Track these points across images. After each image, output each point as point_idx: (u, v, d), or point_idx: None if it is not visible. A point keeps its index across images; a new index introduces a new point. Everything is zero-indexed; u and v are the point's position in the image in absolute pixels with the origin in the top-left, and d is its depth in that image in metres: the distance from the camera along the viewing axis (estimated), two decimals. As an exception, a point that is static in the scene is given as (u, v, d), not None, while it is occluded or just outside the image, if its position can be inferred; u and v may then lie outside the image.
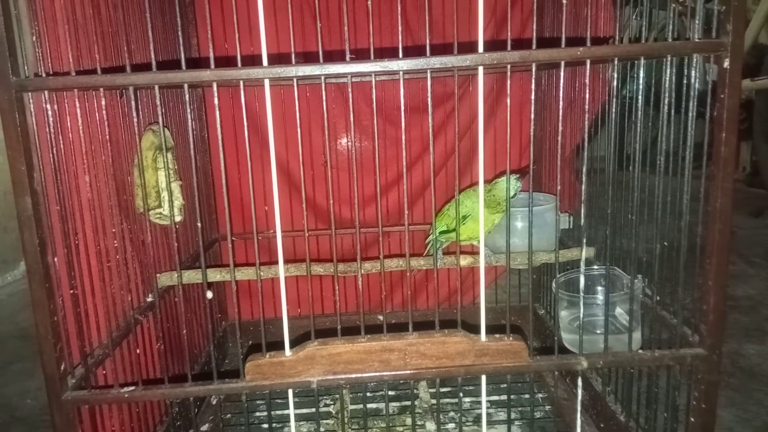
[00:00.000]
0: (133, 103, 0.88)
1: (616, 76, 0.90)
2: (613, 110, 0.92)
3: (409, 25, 1.76)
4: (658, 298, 1.05)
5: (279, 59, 0.88)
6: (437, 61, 0.85)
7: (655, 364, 1.00)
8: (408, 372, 0.94)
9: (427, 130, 1.78)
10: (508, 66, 0.88)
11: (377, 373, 0.94)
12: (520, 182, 1.39)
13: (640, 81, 0.94)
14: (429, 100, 0.89)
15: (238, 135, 1.70)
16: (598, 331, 1.20)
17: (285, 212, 1.78)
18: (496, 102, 1.80)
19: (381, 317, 1.89)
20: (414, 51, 1.71)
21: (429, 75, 0.89)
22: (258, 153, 1.70)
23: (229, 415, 1.55)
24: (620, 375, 1.24)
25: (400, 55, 0.86)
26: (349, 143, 1.84)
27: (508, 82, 0.89)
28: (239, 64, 0.84)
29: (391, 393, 1.59)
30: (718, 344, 0.93)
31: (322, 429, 1.43)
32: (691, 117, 0.93)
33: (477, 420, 1.47)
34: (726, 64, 0.85)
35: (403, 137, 0.91)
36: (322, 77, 0.87)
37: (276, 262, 1.46)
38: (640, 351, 0.97)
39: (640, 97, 1.04)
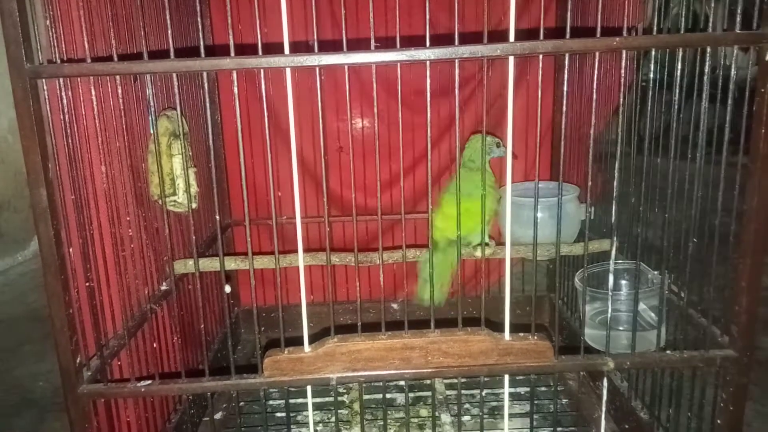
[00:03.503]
0: (149, 90, 0.85)
1: (653, 67, 0.86)
2: (648, 102, 0.88)
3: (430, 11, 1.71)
4: (684, 294, 1.02)
5: (294, 46, 0.85)
6: (466, 51, 0.82)
7: (683, 366, 0.98)
8: (429, 370, 0.92)
9: (443, 114, 1.75)
10: (540, 56, 0.85)
11: (398, 371, 0.92)
12: (500, 147, 1.44)
13: (683, 72, 0.90)
14: (456, 90, 0.86)
15: (251, 119, 1.67)
16: (621, 327, 1.18)
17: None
18: (515, 88, 1.75)
19: (395, 305, 1.88)
20: (434, 37, 1.66)
21: (457, 64, 0.85)
22: (271, 138, 1.67)
23: (243, 403, 1.54)
24: (642, 372, 1.21)
25: (427, 44, 0.82)
26: (366, 129, 1.81)
27: (540, 72, 0.86)
28: (260, 52, 0.81)
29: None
30: (749, 346, 0.90)
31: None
32: (729, 109, 0.89)
33: (492, 412, 1.46)
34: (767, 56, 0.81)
35: (428, 126, 0.88)
36: (346, 66, 0.83)
37: (289, 250, 1.44)
38: (668, 352, 0.94)
39: (676, 88, 1.01)
